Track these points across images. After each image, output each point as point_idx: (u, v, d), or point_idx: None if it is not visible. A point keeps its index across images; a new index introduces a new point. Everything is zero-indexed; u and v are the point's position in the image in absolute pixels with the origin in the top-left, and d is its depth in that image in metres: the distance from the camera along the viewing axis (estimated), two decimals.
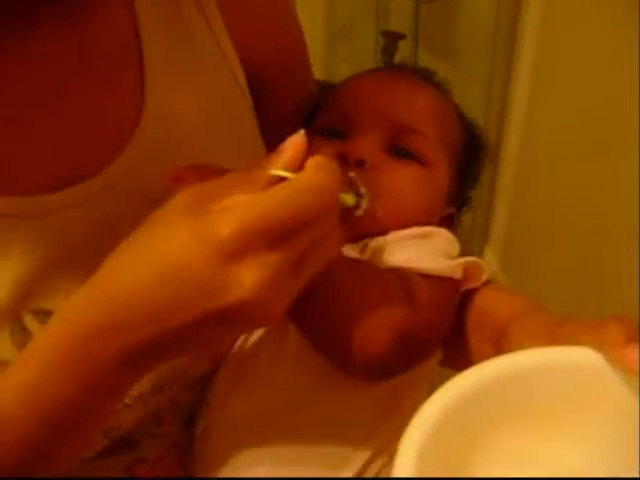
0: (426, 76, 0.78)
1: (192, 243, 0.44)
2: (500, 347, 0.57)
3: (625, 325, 0.45)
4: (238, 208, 0.44)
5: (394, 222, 0.66)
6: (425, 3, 1.80)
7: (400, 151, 0.68)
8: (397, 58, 1.94)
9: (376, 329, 0.55)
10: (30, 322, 0.54)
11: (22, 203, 0.54)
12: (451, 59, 2.04)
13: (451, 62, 2.03)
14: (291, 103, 0.75)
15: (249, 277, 0.44)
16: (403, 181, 0.67)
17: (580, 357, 0.45)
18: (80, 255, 0.55)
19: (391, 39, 1.96)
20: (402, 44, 1.94)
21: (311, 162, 0.48)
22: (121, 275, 0.46)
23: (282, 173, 0.48)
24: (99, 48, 0.59)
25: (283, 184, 0.47)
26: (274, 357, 0.64)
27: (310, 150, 0.50)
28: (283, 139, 0.50)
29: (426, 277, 0.60)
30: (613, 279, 1.53)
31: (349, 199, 0.61)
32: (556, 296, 1.72)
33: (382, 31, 2.03)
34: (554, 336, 0.50)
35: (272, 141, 0.57)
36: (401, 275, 0.59)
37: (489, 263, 2.14)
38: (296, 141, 0.50)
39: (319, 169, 0.48)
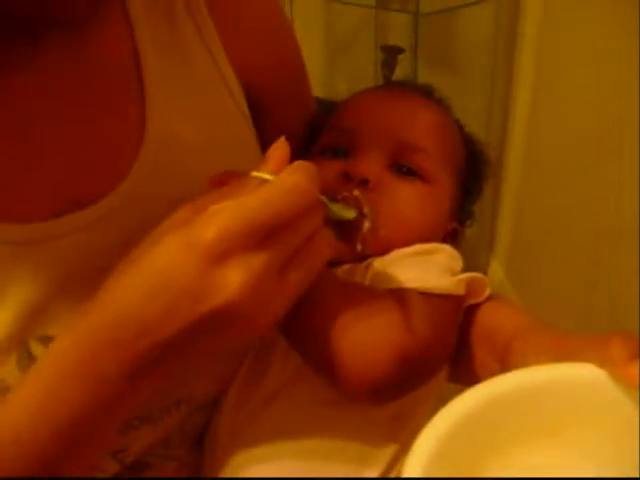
0: (427, 93, 0.78)
1: (178, 251, 0.46)
2: (505, 363, 0.57)
3: (628, 341, 0.45)
4: (221, 212, 0.46)
5: (398, 240, 0.66)
6: (424, 16, 1.80)
7: (403, 169, 0.68)
8: (397, 72, 1.95)
9: (374, 354, 0.55)
10: (36, 349, 0.54)
11: (26, 230, 0.54)
12: (451, 72, 2.04)
13: (451, 75, 2.04)
14: (291, 121, 0.76)
15: (235, 277, 0.45)
16: (406, 199, 0.67)
17: (583, 374, 0.45)
18: (86, 280, 0.55)
19: (391, 53, 1.96)
20: (402, 58, 1.95)
21: (290, 165, 0.50)
22: (115, 291, 0.47)
23: (263, 175, 0.50)
24: (100, 73, 0.59)
25: (263, 187, 0.48)
26: (281, 376, 0.64)
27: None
28: None
29: (429, 296, 0.60)
30: (619, 288, 1.52)
31: (346, 212, 0.61)
32: (562, 305, 1.72)
33: (381, 45, 2.04)
34: (558, 352, 0.50)
35: None
36: (402, 297, 0.59)
37: (495, 274, 2.14)
38: (278, 147, 0.52)
39: (296, 171, 0.49)
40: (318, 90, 0.84)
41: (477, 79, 2.00)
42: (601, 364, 0.45)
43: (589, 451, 0.45)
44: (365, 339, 0.55)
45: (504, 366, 0.57)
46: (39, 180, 0.56)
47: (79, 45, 0.58)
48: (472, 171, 0.77)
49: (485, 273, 2.14)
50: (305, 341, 0.59)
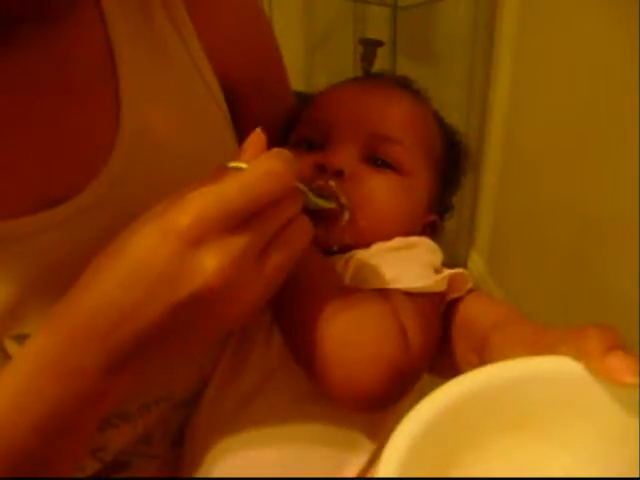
0: (404, 84, 0.78)
1: (154, 238, 0.46)
2: (483, 356, 0.57)
3: (605, 333, 0.45)
4: (196, 199, 0.46)
5: (375, 232, 0.66)
6: (402, 9, 1.80)
7: (378, 161, 0.68)
8: (376, 65, 1.95)
9: (367, 371, 0.55)
10: (11, 347, 0.53)
11: (1, 226, 0.53)
12: (430, 64, 2.05)
13: (431, 67, 2.04)
14: (269, 115, 0.75)
15: (212, 261, 0.45)
16: (381, 191, 0.67)
17: (560, 367, 0.45)
18: (61, 277, 0.54)
19: (370, 47, 1.97)
20: (381, 51, 1.95)
21: (266, 152, 0.51)
22: (92, 283, 0.47)
23: (239, 164, 0.50)
24: (73, 69, 0.58)
25: (239, 173, 0.48)
26: (261, 370, 0.63)
27: None
28: None
29: (414, 296, 0.60)
30: (600, 279, 1.53)
31: (325, 202, 0.61)
32: (543, 297, 1.73)
33: (360, 39, 2.04)
34: (535, 345, 0.50)
35: None
36: (390, 300, 0.59)
37: (475, 266, 2.15)
38: (254, 138, 0.52)
39: (272, 156, 0.50)
40: (298, 84, 0.84)
41: (456, 71, 2.01)
42: (577, 357, 0.44)
43: (566, 445, 0.45)
44: (357, 355, 0.55)
45: (482, 359, 0.57)
46: (14, 175, 0.55)
47: (52, 41, 0.57)
48: (451, 163, 0.77)
49: (465, 265, 2.15)
50: (296, 352, 0.59)
